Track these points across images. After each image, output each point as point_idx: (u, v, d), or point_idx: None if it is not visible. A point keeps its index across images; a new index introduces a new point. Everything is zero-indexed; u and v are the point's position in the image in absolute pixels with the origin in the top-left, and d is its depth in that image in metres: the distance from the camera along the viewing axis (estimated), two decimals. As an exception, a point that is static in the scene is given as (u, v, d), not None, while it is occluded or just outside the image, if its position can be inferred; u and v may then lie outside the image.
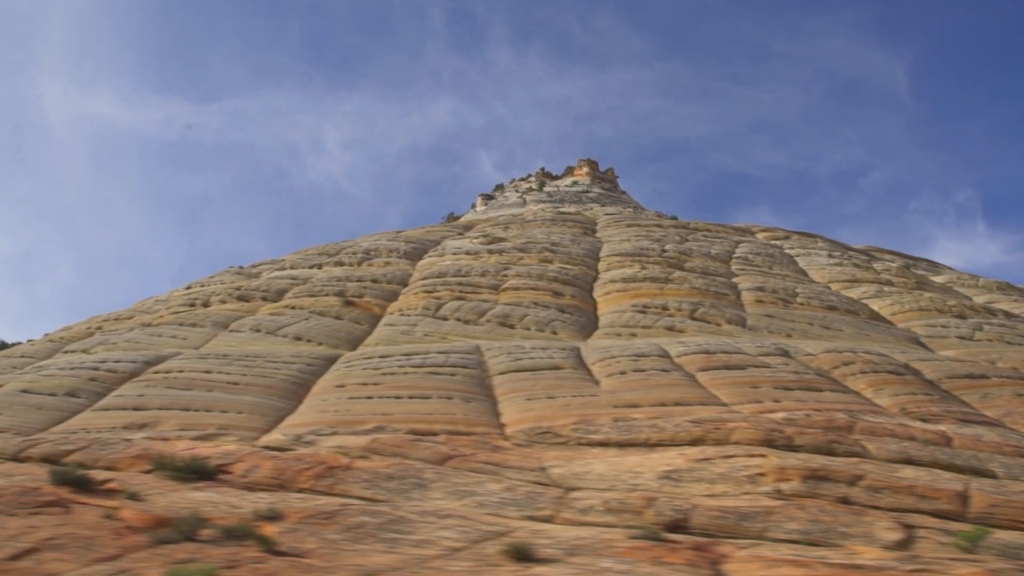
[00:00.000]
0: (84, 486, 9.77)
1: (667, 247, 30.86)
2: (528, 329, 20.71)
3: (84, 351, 22.88)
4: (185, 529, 7.36)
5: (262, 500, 9.53)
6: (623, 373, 16.40)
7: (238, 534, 7.59)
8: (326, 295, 25.21)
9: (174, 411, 15.01)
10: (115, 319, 29.07)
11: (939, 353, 20.01)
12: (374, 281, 26.80)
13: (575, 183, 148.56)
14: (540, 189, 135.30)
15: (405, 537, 7.49)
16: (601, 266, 28.31)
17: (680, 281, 24.55)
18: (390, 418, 14.18)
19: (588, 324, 21.51)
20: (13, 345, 33.37)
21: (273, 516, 8.16)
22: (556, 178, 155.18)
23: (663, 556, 6.26)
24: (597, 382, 16.24)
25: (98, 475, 10.53)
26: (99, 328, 27.32)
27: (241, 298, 26.64)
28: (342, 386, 16.30)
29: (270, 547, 6.96)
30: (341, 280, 27.25)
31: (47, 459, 12.39)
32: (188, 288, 34.31)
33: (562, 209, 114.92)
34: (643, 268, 26.17)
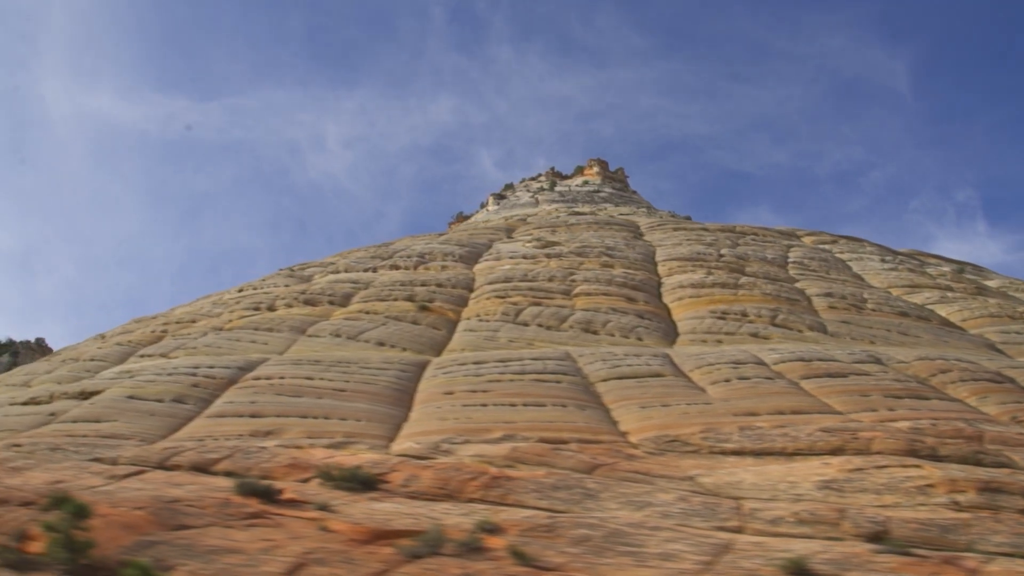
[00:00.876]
0: (269, 496, 9.94)
1: (722, 252, 31.02)
2: (612, 335, 20.85)
3: (163, 355, 23.01)
4: (432, 543, 7.51)
5: (451, 511, 9.67)
6: (728, 381, 16.54)
7: (475, 547, 7.75)
8: (395, 299, 25.35)
9: (293, 418, 15.15)
10: (176, 322, 29.21)
11: (1022, 360, 20.18)
12: (439, 285, 26.94)
13: (586, 183, 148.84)
14: (551, 189, 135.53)
15: (642, 550, 7.63)
16: (661, 271, 28.47)
17: (750, 287, 24.71)
18: (514, 426, 14.32)
19: (669, 330, 21.66)
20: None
21: (492, 529, 8.30)
22: (566, 177, 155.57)
23: (939, 571, 6.41)
24: (703, 390, 16.38)
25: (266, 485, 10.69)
26: (164, 332, 27.46)
27: (308, 302, 26.77)
28: (451, 393, 16.44)
29: (528, 561, 7.11)
30: (405, 284, 27.39)
31: (196, 467, 12.55)
32: (240, 291, 34.45)
33: (576, 209, 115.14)
34: (709, 273, 26.32)
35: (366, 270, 32.04)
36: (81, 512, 7.66)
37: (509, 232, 42.57)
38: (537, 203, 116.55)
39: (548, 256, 30.22)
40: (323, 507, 9.63)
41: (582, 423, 14.55)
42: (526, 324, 21.68)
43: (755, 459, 12.75)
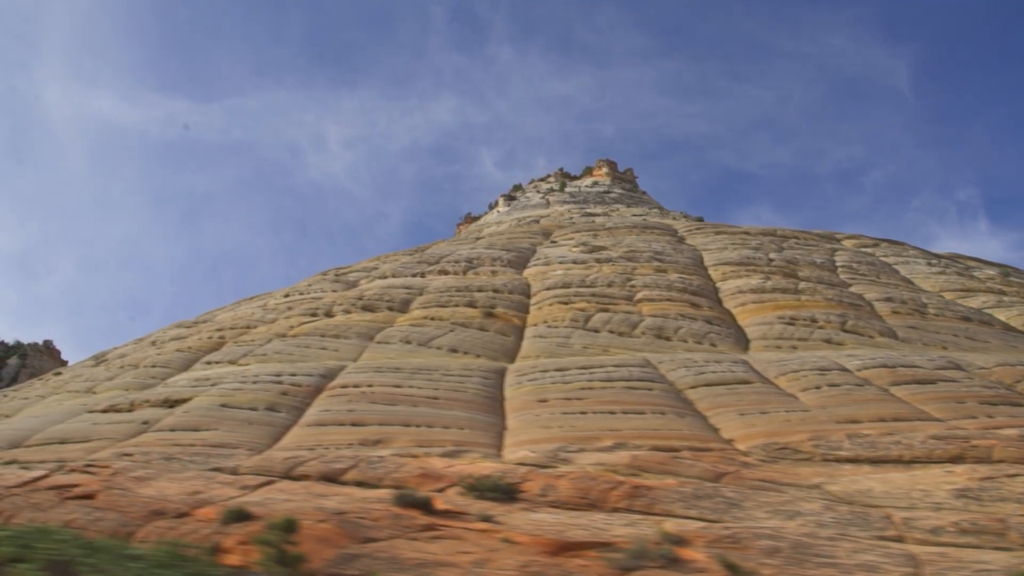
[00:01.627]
0: (427, 508, 10.09)
1: (771, 256, 31.17)
2: (685, 342, 20.99)
3: (232, 363, 23.17)
4: (638, 555, 7.66)
5: (613, 521, 9.82)
6: (818, 388, 16.67)
7: (671, 558, 7.90)
8: (456, 305, 25.49)
9: (395, 427, 15.29)
10: (230, 328, 29.34)
11: (1094, 365, 20.29)
12: (496, 291, 27.08)
13: (596, 183, 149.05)
14: (561, 189, 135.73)
15: (837, 561, 7.78)
16: (714, 275, 28.61)
17: (811, 292, 24.86)
18: (621, 434, 14.46)
19: (739, 336, 21.80)
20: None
21: (679, 541, 8.45)
22: (575, 178, 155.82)
23: None
24: (795, 397, 16.52)
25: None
26: (222, 338, 27.60)
27: (366, 308, 26.92)
28: (545, 401, 16.58)
29: (742, 573, 7.26)
30: (461, 290, 27.53)
31: (325, 477, 12.69)
32: (287, 296, 34.60)
33: (588, 210, 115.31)
34: (767, 279, 26.45)
35: (414, 275, 32.19)
36: (290, 527, 7.81)
37: (547, 235, 42.69)
38: (548, 204, 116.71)
39: (598, 261, 30.36)
40: (485, 518, 9.78)
41: (686, 431, 14.68)
42: (597, 331, 21.81)
43: (872, 467, 12.88)
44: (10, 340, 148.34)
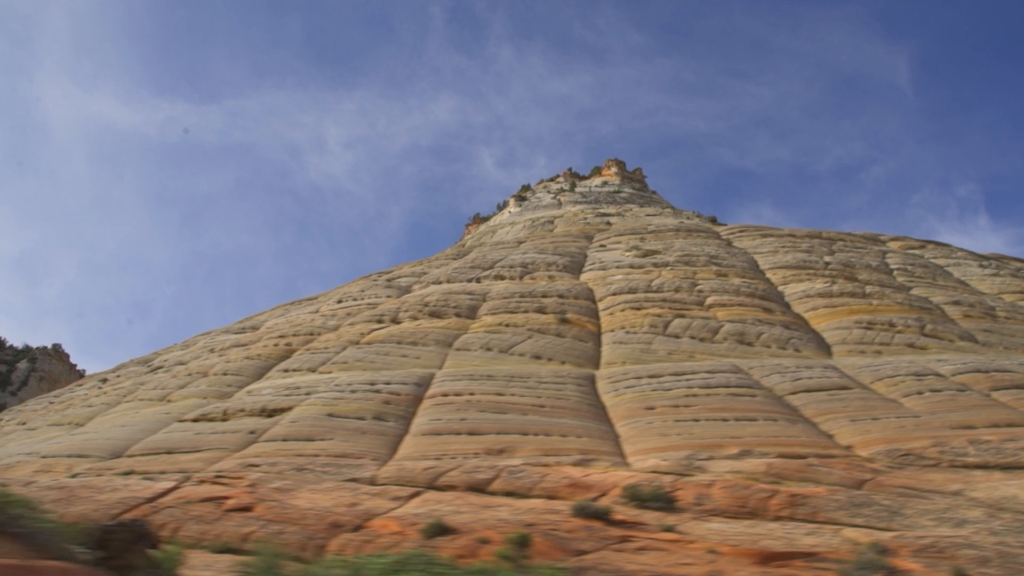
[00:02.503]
0: (605, 518, 10.33)
1: (825, 259, 31.42)
2: (769, 347, 21.22)
3: (312, 370, 23.38)
4: (865, 565, 7.90)
5: (793, 530, 10.06)
6: (920, 393, 16.91)
7: (889, 569, 8.14)
8: (526, 311, 25.72)
9: (513, 435, 15.52)
10: (292, 335, 29.54)
11: None
12: (561, 297, 27.30)
13: (605, 183, 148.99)
14: (572, 189, 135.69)
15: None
16: (774, 279, 28.84)
17: (879, 296, 25.10)
18: (743, 442, 14.68)
19: (819, 341, 22.03)
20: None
21: (884, 551, 8.69)
22: (584, 178, 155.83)
23: None
24: (898, 402, 16.75)
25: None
26: (289, 345, 27.83)
27: (433, 314, 27.15)
28: (652, 408, 16.81)
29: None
30: (525, 296, 27.76)
31: (472, 488, 12.92)
32: (340, 302, 34.84)
33: (601, 210, 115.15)
34: (832, 283, 26.69)
35: (470, 280, 32.43)
36: (524, 541, 8.03)
37: (589, 238, 42.90)
38: (560, 204, 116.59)
39: (655, 266, 30.59)
40: (667, 528, 10.03)
41: (803, 437, 14.91)
42: (677, 336, 22.04)
43: (1004, 473, 13.11)
44: (18, 344, 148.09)
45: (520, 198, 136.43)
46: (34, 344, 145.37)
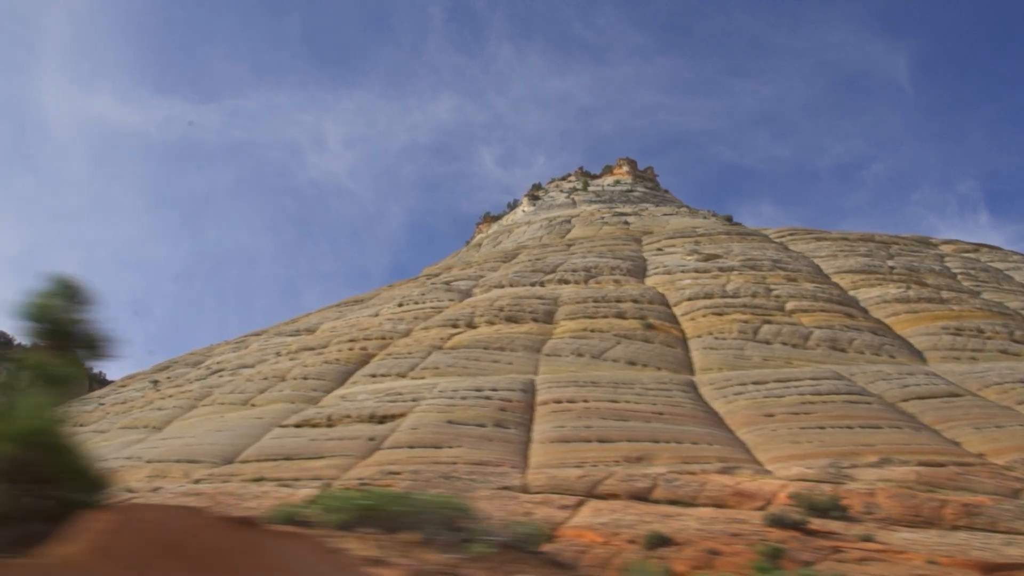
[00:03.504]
0: (802, 528, 10.60)
1: (889, 263, 31.71)
2: (863, 353, 21.51)
3: (402, 375, 23.66)
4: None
5: (990, 542, 10.34)
6: (1037, 401, 17.20)
7: None
8: (605, 316, 26.00)
9: (644, 443, 15.80)
10: (363, 339, 29.79)
11: None
12: (635, 301, 27.59)
13: (618, 182, 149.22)
14: (585, 189, 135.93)
15: None
16: (843, 283, 29.13)
17: (957, 301, 25.40)
18: (877, 449, 14.96)
19: (909, 347, 22.31)
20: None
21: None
22: (595, 177, 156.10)
23: None
24: (1011, 409, 17.04)
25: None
26: (365, 350, 28.10)
27: (509, 319, 27.43)
28: (771, 415, 17.09)
29: None
30: (599, 301, 28.05)
31: (633, 496, 13.20)
32: (400, 305, 35.10)
33: (617, 209, 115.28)
34: (907, 288, 26.98)
35: (533, 284, 32.72)
36: (777, 554, 8.31)
37: (637, 240, 43.22)
38: (575, 204, 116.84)
39: (721, 270, 30.87)
40: (866, 538, 10.31)
41: (935, 445, 15.18)
42: (768, 342, 22.32)
43: None
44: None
45: (533, 197, 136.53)
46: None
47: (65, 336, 3.78)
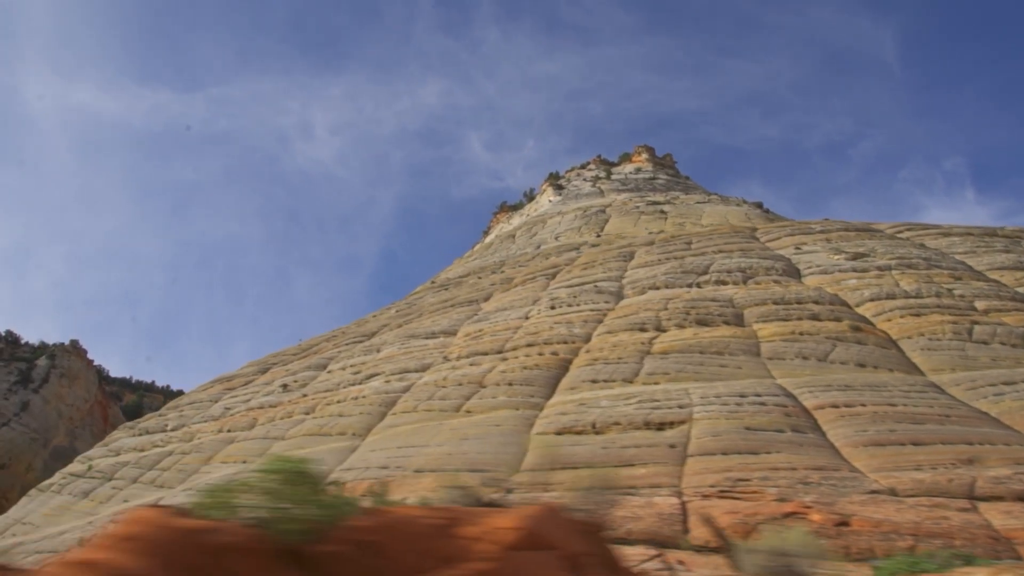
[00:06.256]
0: None
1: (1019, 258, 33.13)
2: (1084, 352, 22.85)
3: (628, 382, 24.84)
4: None
5: None
6: None
7: None
8: (799, 319, 27.25)
9: (959, 445, 17.06)
10: (543, 343, 30.86)
11: None
12: (816, 303, 28.84)
13: (639, 169, 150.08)
14: (608, 177, 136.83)
15: None
16: (1007, 282, 30.49)
17: None
18: None
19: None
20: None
21: None
22: (614, 164, 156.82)
23: None
24: None
25: None
26: (555, 354, 29.21)
27: (699, 322, 28.67)
28: (1056, 416, 18.41)
29: None
30: (779, 303, 29.30)
31: (1019, 498, 14.49)
32: (553, 308, 36.17)
33: (650, 198, 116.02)
34: (1081, 285, 28.35)
35: (690, 285, 33.95)
36: None
37: (749, 237, 44.46)
38: (602, 193, 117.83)
39: (880, 269, 32.16)
40: None
41: None
42: (987, 343, 23.63)
43: None
44: (34, 340, 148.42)
45: (556, 186, 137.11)
46: (50, 341, 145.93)
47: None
